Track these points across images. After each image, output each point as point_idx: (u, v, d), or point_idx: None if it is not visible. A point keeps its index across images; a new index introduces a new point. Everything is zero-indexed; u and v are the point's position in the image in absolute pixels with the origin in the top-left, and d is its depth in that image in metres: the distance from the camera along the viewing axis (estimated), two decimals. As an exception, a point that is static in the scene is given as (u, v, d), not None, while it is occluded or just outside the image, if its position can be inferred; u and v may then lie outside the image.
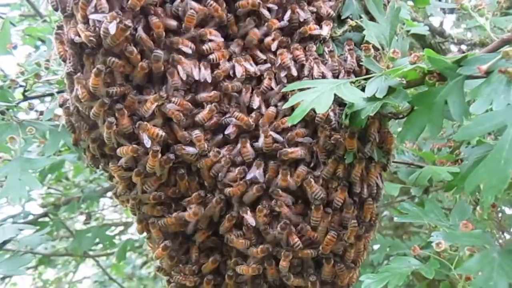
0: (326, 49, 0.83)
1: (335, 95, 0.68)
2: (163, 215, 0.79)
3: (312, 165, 0.78)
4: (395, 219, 0.73)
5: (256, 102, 0.79)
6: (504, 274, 0.48)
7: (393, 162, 1.29)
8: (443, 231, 0.61)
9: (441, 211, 0.69)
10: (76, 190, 1.72)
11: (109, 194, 2.45)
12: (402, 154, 1.30)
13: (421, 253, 0.69)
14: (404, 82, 0.73)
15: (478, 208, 0.58)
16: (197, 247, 0.82)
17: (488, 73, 0.62)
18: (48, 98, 1.14)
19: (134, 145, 0.75)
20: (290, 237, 0.76)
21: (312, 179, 0.75)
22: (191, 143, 0.75)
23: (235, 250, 0.79)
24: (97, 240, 1.68)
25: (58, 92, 0.98)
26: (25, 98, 0.99)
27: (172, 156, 0.76)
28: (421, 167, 1.12)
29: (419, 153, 1.10)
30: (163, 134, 0.74)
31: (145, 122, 0.74)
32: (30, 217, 1.46)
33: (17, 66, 1.11)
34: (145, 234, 0.87)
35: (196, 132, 0.75)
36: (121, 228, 2.75)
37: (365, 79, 0.75)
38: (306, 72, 0.80)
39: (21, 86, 1.09)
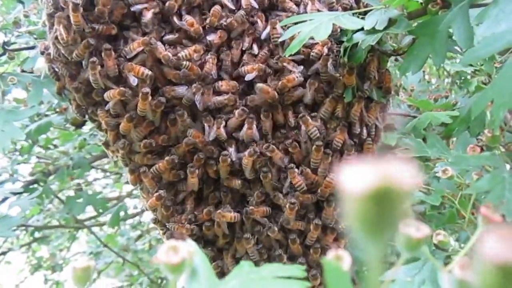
0: (322, -16, 0.78)
1: (333, 25, 0.64)
2: (155, 163, 0.76)
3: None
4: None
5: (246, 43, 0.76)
6: (516, 192, 0.46)
7: (388, 114, 1.27)
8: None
9: (444, 145, 0.67)
10: (66, 158, 1.67)
11: (100, 166, 2.42)
12: (397, 107, 1.27)
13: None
14: (405, 13, 0.70)
15: (486, 131, 0.55)
16: (192, 197, 0.80)
17: (495, -6, 0.59)
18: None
19: (122, 88, 0.71)
20: (294, 179, 0.73)
21: (308, 117, 0.71)
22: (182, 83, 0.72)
23: (229, 196, 0.77)
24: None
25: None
26: (5, 50, 0.93)
27: (163, 99, 0.72)
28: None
29: (416, 102, 1.08)
30: (150, 73, 0.70)
31: (130, 62, 0.70)
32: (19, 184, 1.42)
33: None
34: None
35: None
36: (115, 202, 2.72)
37: (364, 12, 0.71)
38: (301, 10, 0.77)
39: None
